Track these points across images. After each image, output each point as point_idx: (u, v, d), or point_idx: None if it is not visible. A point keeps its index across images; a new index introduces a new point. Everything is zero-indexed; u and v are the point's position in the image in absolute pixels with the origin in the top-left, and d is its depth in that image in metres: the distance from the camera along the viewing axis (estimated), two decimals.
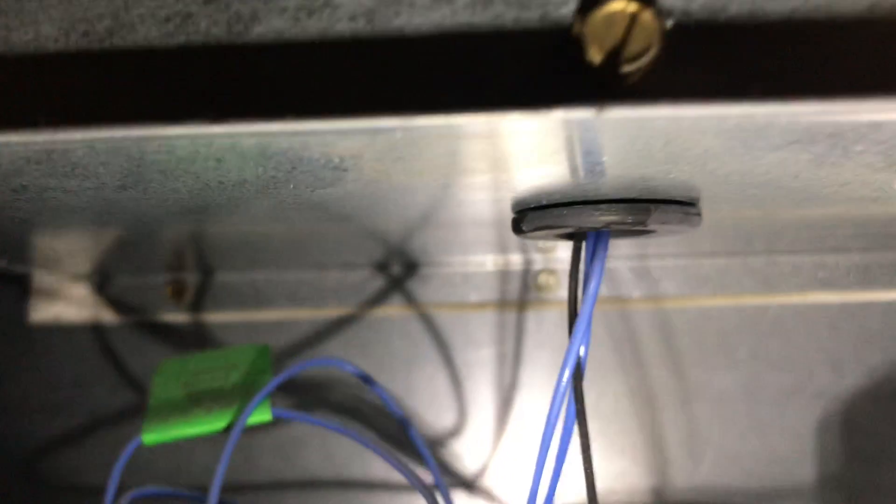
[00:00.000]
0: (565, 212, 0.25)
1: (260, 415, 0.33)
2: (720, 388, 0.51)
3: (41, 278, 0.51)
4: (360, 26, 0.15)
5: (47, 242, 0.36)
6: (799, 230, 0.44)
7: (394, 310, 0.52)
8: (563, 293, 0.51)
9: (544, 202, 0.25)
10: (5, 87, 0.15)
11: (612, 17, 0.13)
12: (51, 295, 0.52)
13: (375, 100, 0.14)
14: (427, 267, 0.52)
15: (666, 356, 0.51)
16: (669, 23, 0.14)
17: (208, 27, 0.15)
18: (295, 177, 0.20)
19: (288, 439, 0.52)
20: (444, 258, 0.51)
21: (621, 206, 0.24)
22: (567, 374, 0.25)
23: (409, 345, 0.52)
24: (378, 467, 0.51)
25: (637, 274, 0.51)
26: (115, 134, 0.15)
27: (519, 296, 0.51)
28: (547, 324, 0.51)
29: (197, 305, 0.52)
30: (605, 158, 0.19)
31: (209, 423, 0.33)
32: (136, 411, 0.51)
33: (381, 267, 0.52)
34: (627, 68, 0.14)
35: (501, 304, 0.51)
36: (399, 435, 0.51)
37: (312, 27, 0.15)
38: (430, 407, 0.51)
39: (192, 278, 0.52)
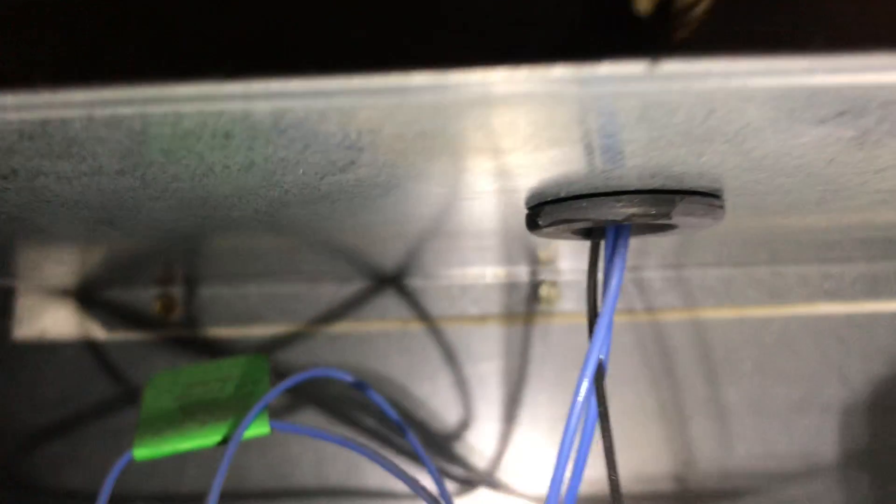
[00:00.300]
0: (585, 204, 0.24)
1: (258, 427, 0.32)
2: (724, 402, 0.50)
3: (26, 293, 0.49)
4: None
5: (34, 249, 0.34)
6: (806, 238, 0.43)
7: (391, 324, 0.50)
8: (564, 305, 0.49)
9: (562, 194, 0.24)
10: None
11: None
12: (36, 310, 0.50)
13: (407, 55, 0.13)
14: (425, 279, 0.50)
15: (668, 370, 0.50)
16: None
17: None
18: (306, 158, 0.19)
19: (281, 452, 0.50)
20: (442, 271, 0.49)
21: (645, 196, 0.23)
22: (588, 375, 0.24)
23: (408, 359, 0.50)
24: (377, 478, 0.50)
25: (638, 286, 0.49)
26: (119, 95, 0.14)
27: (519, 308, 0.50)
28: (550, 336, 0.50)
29: (187, 320, 0.50)
30: (638, 135, 0.17)
31: (204, 437, 0.32)
32: (125, 431, 0.50)
33: (378, 279, 0.51)
34: (680, 19, 0.13)
35: (501, 316, 0.50)
36: (395, 445, 0.49)
37: None
38: (431, 422, 0.50)
39: (181, 292, 0.50)
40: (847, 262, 0.49)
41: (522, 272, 0.50)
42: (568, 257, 0.48)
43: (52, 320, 0.50)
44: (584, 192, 0.24)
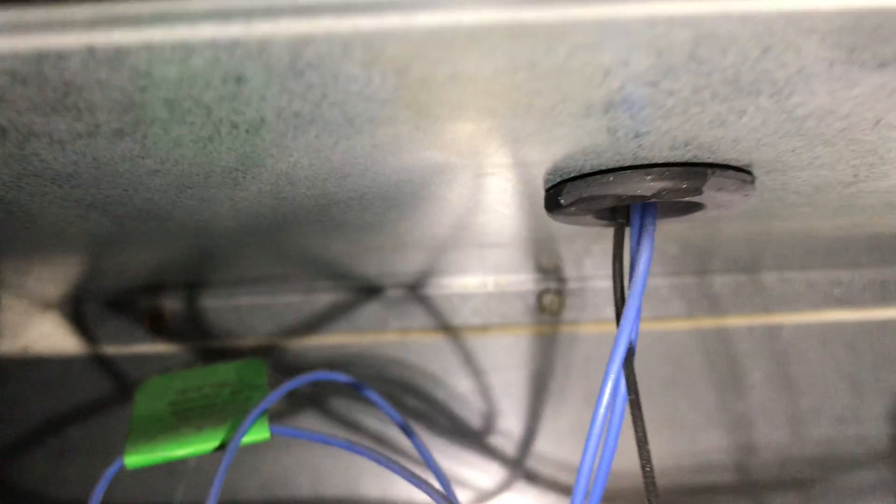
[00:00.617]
0: (611, 178, 0.22)
1: (257, 433, 0.30)
2: (735, 412, 0.48)
3: (9, 305, 0.47)
4: None
5: (18, 252, 0.33)
6: (815, 242, 0.42)
7: (389, 335, 0.49)
8: (568, 315, 0.48)
9: (586, 169, 0.22)
10: None
11: None
12: (19, 324, 0.48)
13: None
14: (425, 288, 0.49)
15: (674, 380, 0.48)
16: None
17: None
18: (322, 115, 0.17)
19: (276, 469, 0.48)
20: (443, 280, 0.48)
21: (675, 169, 0.22)
22: (617, 360, 0.22)
23: (405, 372, 0.48)
24: (376, 490, 0.48)
25: (645, 293, 0.48)
26: (125, 10, 0.12)
27: (522, 318, 0.48)
28: (554, 347, 0.48)
29: (176, 334, 0.49)
30: (682, 84, 0.16)
31: (200, 443, 0.30)
32: (113, 449, 0.47)
33: (374, 289, 0.49)
34: None
35: (503, 326, 0.48)
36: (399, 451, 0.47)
37: None
38: (429, 437, 0.48)
39: (170, 304, 0.48)
40: (856, 268, 0.48)
41: (525, 280, 0.48)
42: (571, 266, 0.46)
43: (36, 334, 0.48)
44: (609, 166, 0.22)
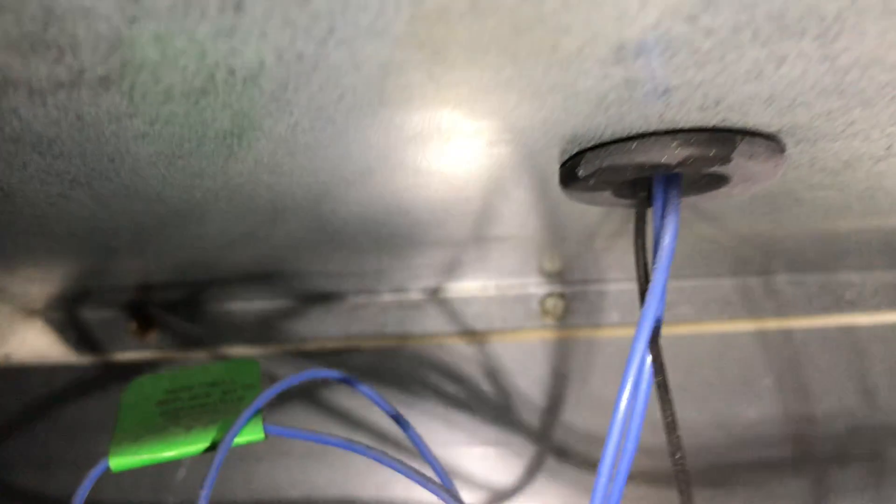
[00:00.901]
0: (634, 145, 0.21)
1: (251, 433, 0.28)
2: (743, 420, 0.47)
3: None
4: None
5: None
6: (825, 244, 0.40)
7: (387, 341, 0.47)
8: (572, 320, 0.46)
9: (606, 136, 0.21)
10: None
11: None
12: (1, 332, 0.46)
13: None
14: (422, 293, 0.47)
15: (683, 386, 0.47)
16: None
17: None
18: (327, 58, 0.16)
19: (268, 482, 0.46)
20: (441, 283, 0.46)
21: (703, 135, 0.20)
22: (642, 343, 0.21)
23: (402, 382, 0.47)
24: (375, 482, 0.46)
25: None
26: None
27: (524, 322, 0.47)
28: (558, 351, 0.46)
29: (165, 342, 0.47)
30: (723, 19, 0.15)
31: (189, 444, 0.28)
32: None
33: (369, 293, 0.47)
34: None
35: (505, 332, 0.47)
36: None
37: None
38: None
39: (158, 311, 0.47)
40: (866, 270, 0.46)
41: (528, 284, 0.47)
42: (574, 269, 0.45)
43: (18, 342, 0.46)
44: (632, 132, 0.21)
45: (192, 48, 0.15)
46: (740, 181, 0.23)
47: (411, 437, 0.30)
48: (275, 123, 0.19)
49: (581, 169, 0.22)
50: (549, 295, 0.46)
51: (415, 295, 0.47)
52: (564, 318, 0.46)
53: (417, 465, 0.28)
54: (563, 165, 0.23)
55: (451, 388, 0.47)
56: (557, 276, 0.46)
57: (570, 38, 0.15)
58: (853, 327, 0.47)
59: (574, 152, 0.22)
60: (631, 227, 0.33)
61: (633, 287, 0.46)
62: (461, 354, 0.46)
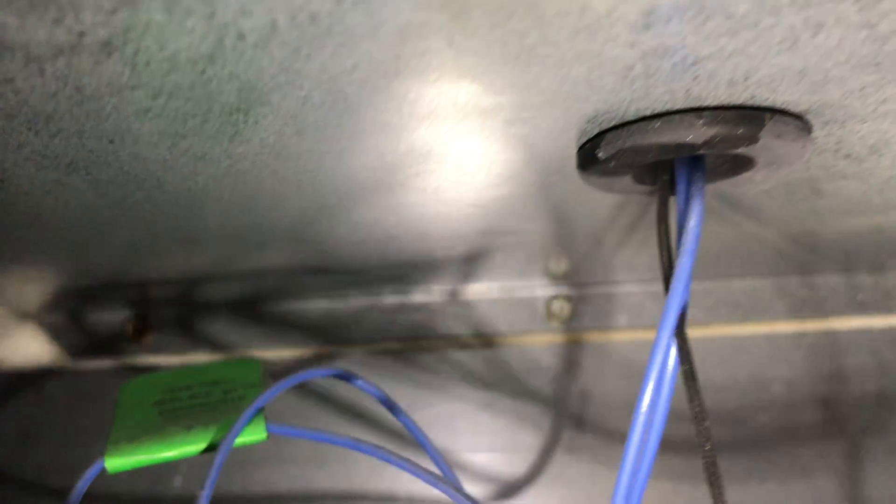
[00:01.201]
0: (658, 124, 0.20)
1: (253, 433, 0.27)
2: (755, 426, 0.46)
3: None
4: None
5: None
6: (834, 244, 0.39)
7: (390, 345, 0.46)
8: (578, 323, 0.45)
9: (630, 113, 0.20)
10: None
11: None
12: None
13: None
14: (427, 295, 0.46)
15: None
16: None
17: None
18: (342, 18, 0.15)
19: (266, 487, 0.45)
20: (447, 286, 0.45)
21: (730, 113, 0.20)
22: (667, 330, 0.20)
23: (407, 383, 0.46)
24: (380, 480, 0.44)
25: (656, 299, 0.46)
26: None
27: (530, 326, 0.46)
28: (566, 356, 0.45)
29: (161, 345, 0.46)
30: None
31: (189, 444, 0.27)
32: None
33: (372, 294, 0.46)
34: None
35: (510, 334, 0.46)
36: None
37: None
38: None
39: (155, 313, 0.45)
40: (877, 272, 0.46)
41: (533, 286, 0.46)
42: (579, 271, 0.44)
43: (11, 346, 0.45)
44: (655, 110, 0.20)
45: (201, 7, 0.14)
46: (765, 165, 0.22)
47: (404, 424, 0.30)
48: (283, 97, 0.18)
49: (602, 150, 0.21)
50: (556, 297, 0.45)
51: (419, 297, 0.46)
52: (571, 322, 0.45)
53: (417, 456, 0.27)
54: (581, 148, 0.22)
55: (455, 391, 0.45)
56: (564, 278, 0.45)
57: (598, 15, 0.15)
58: (868, 330, 0.46)
59: (594, 133, 0.21)
60: (642, 221, 0.33)
61: (641, 289, 0.45)
62: (465, 358, 0.45)
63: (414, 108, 0.19)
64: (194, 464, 0.42)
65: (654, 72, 0.18)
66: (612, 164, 0.21)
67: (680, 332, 0.20)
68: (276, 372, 0.45)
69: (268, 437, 0.28)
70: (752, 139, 0.20)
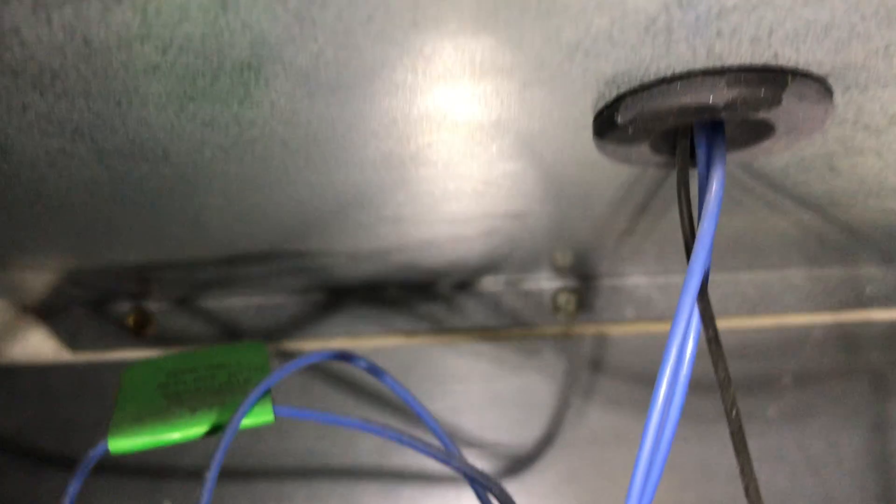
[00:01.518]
0: (678, 86, 0.19)
1: (260, 415, 0.27)
2: (764, 419, 0.45)
3: None
4: None
5: None
6: (843, 235, 0.39)
7: (393, 339, 0.45)
8: (585, 316, 0.45)
9: (650, 75, 0.20)
10: None
11: None
12: None
13: None
14: (430, 288, 0.46)
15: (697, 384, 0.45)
16: None
17: None
18: None
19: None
20: (449, 279, 0.45)
21: (752, 74, 0.19)
22: (690, 296, 0.19)
23: (409, 376, 0.45)
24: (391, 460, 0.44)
25: (663, 291, 0.45)
26: None
27: (535, 319, 0.45)
28: (573, 350, 0.45)
29: (163, 338, 0.45)
30: None
31: (194, 426, 0.27)
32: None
33: (374, 289, 0.46)
34: None
35: (514, 328, 0.45)
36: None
37: None
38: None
39: (156, 306, 0.45)
40: (888, 264, 0.45)
41: (539, 279, 0.45)
42: (587, 263, 0.43)
43: (10, 340, 0.44)
44: (676, 70, 0.20)
45: None
46: (785, 132, 0.21)
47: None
48: (296, 53, 0.18)
49: (620, 115, 0.20)
50: (561, 290, 0.45)
51: (423, 289, 0.45)
52: (577, 314, 0.45)
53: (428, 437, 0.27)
54: (598, 115, 0.22)
55: (457, 386, 0.45)
56: (570, 271, 0.45)
57: None
58: (869, 323, 0.46)
59: (612, 98, 0.21)
60: (651, 207, 0.32)
61: (648, 281, 0.45)
62: (469, 351, 0.45)
63: (429, 66, 0.19)
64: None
65: (676, 26, 0.17)
66: (631, 129, 0.21)
67: (703, 297, 0.19)
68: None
69: (274, 419, 0.27)
70: (775, 100, 0.19)
